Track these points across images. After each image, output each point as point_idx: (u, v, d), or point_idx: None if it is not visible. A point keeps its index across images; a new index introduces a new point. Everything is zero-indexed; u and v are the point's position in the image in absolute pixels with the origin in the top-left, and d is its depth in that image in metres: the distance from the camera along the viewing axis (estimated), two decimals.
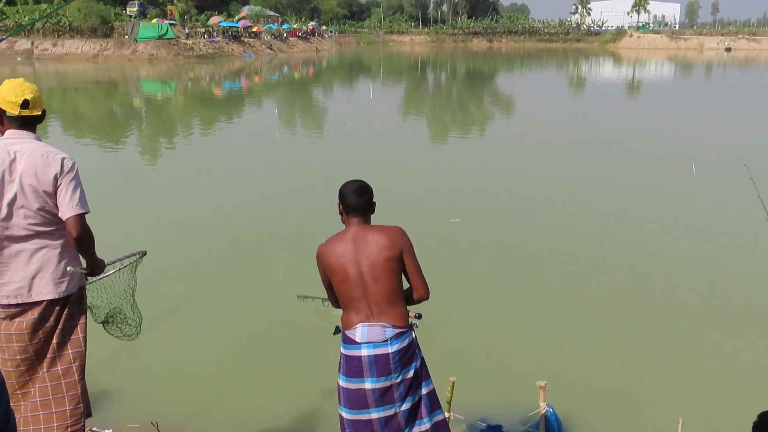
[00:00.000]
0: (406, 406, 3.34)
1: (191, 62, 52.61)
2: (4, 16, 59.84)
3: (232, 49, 63.49)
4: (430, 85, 44.43)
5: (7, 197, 3.29)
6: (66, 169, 3.32)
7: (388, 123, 22.65)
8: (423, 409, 3.42)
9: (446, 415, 4.03)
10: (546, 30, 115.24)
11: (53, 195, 3.30)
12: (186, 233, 9.60)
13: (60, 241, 3.51)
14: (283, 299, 7.27)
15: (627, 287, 7.77)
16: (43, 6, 64.13)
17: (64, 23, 58.37)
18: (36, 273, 3.47)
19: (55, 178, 3.29)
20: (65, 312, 3.63)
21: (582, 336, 6.62)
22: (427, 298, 3.53)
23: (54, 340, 3.62)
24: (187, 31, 61.98)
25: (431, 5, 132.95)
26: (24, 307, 3.51)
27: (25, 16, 59.60)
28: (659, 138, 18.67)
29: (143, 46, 54.87)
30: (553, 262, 8.64)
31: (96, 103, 30.01)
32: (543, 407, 4.34)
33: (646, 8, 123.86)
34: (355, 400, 3.32)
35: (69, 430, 3.68)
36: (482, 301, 7.50)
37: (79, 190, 3.36)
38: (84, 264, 3.68)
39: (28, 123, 3.41)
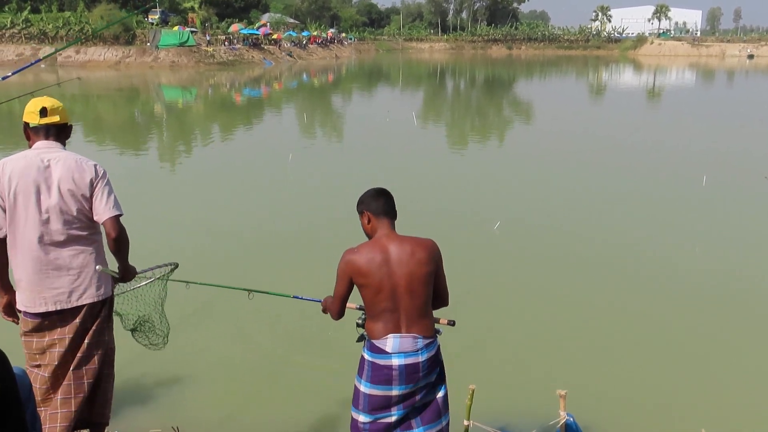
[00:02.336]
0: (421, 403, 3.41)
1: (212, 69, 53.02)
2: (29, 24, 60.70)
3: (252, 56, 63.94)
4: (449, 92, 44.40)
5: (47, 203, 3.40)
6: (100, 175, 3.47)
7: (409, 130, 22.69)
8: (441, 409, 3.48)
9: (465, 423, 4.02)
10: (566, 37, 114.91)
11: (90, 199, 3.43)
12: (209, 238, 9.65)
13: (94, 245, 3.62)
14: (308, 305, 7.29)
15: (649, 297, 7.70)
16: (67, 14, 65.07)
17: (88, 30, 59.13)
18: (76, 278, 3.56)
19: (92, 183, 3.43)
20: (101, 315, 3.73)
21: (603, 345, 6.57)
22: (448, 304, 3.58)
23: (87, 341, 3.69)
24: (208, 38, 62.53)
25: (450, 12, 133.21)
26: (65, 314, 3.58)
27: (48, 24, 60.44)
28: (682, 147, 18.52)
29: (165, 54, 55.45)
30: (574, 270, 8.60)
31: (118, 109, 30.34)
32: (563, 416, 4.31)
33: (667, 15, 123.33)
34: (379, 405, 3.35)
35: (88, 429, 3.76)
36: (503, 308, 7.48)
37: (113, 194, 3.51)
38: (115, 269, 3.76)
39: (55, 135, 3.53)
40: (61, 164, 3.40)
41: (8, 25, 60.23)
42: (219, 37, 65.45)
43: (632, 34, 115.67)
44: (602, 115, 28.99)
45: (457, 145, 20.41)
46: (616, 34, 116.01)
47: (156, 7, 69.54)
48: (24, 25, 60.49)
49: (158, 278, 4.30)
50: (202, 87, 41.41)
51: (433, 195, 12.62)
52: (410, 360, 3.28)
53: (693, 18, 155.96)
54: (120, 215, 3.51)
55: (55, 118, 3.52)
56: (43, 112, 3.48)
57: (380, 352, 3.30)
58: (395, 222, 3.48)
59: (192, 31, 60.48)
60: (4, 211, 3.39)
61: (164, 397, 5.44)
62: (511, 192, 13.05)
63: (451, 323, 3.60)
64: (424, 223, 10.70)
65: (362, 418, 3.38)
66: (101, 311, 3.72)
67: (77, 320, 3.60)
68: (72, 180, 3.39)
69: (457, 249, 9.39)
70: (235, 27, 69.97)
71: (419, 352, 3.31)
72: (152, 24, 63.15)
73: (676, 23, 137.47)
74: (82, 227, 3.51)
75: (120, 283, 3.98)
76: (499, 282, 8.26)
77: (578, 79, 57.72)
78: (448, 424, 3.56)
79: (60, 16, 63.52)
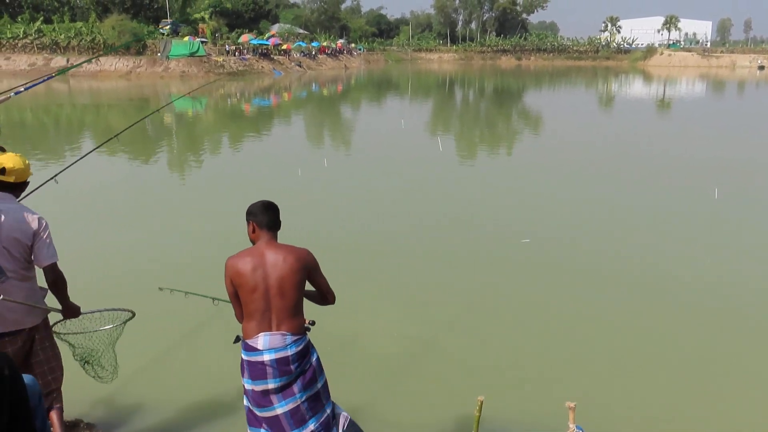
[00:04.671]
0: (306, 397, 3.70)
1: (222, 79, 53.30)
2: (41, 34, 61.24)
3: (262, 67, 64.25)
4: (459, 102, 44.44)
5: None
6: (42, 226, 3.93)
7: (422, 141, 22.72)
8: (322, 399, 3.80)
9: None
10: (575, 48, 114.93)
11: (31, 247, 3.92)
12: (222, 247, 9.65)
13: (28, 283, 4.04)
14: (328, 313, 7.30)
15: (662, 312, 7.66)
16: (79, 24, 65.63)
17: (99, 41, 59.61)
18: (12, 307, 3.96)
19: (34, 234, 3.91)
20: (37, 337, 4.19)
21: (614, 359, 6.53)
22: (333, 303, 3.96)
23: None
24: (227, 49, 62.89)
25: (460, 23, 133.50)
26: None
27: (60, 34, 60.95)
28: (693, 159, 18.46)
29: (175, 64, 55.79)
30: (586, 283, 8.57)
31: (128, 119, 30.48)
32: (572, 429, 4.27)
33: (677, 26, 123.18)
34: (261, 399, 3.68)
35: None
36: (513, 319, 7.46)
37: (51, 243, 3.97)
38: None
39: (10, 189, 3.98)
40: (10, 215, 3.84)
41: (21, 36, 60.78)
42: (229, 47, 65.75)
43: (642, 44, 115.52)
44: (612, 126, 28.93)
45: (466, 156, 20.42)
46: (625, 45, 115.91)
47: (167, 17, 70.20)
48: (36, 36, 61.00)
49: (115, 326, 4.58)
50: (212, 97, 41.62)
51: (445, 206, 12.63)
52: (281, 354, 3.62)
53: (703, 29, 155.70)
54: (56, 261, 3.96)
55: (11, 179, 3.94)
56: (2, 171, 3.91)
57: (253, 350, 3.64)
58: (278, 232, 3.82)
59: (202, 42, 60.86)
60: None
61: (175, 407, 5.43)
62: (523, 205, 13.01)
63: (312, 323, 3.87)
64: (440, 235, 10.72)
65: (256, 411, 3.72)
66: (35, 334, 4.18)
67: (19, 344, 4.06)
68: (18, 229, 3.84)
69: (472, 261, 9.41)
70: (245, 37, 70.38)
71: (288, 347, 3.64)
72: (163, 34, 63.60)
73: (686, 34, 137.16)
74: (21, 268, 3.94)
75: (78, 324, 4.44)
76: (508, 293, 8.24)
77: (588, 89, 57.67)
78: (332, 410, 3.87)
79: (72, 27, 64.04)
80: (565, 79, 71.01)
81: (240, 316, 3.77)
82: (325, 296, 3.89)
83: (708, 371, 6.27)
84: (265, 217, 3.75)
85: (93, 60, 55.04)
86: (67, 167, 5.56)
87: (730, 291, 8.29)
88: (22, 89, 5.16)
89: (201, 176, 16.53)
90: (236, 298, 3.70)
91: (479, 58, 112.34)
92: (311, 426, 3.72)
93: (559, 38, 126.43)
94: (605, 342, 6.89)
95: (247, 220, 3.82)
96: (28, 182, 4.13)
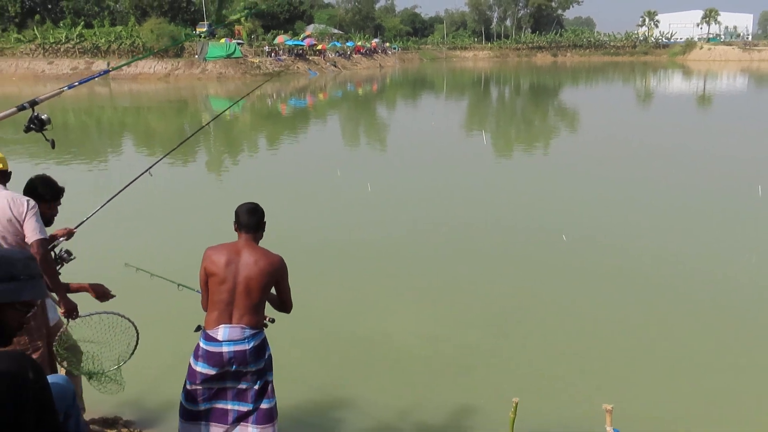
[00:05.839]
0: (256, 387, 3.94)
1: (258, 80, 53.76)
2: (83, 39, 62.49)
3: (298, 67, 64.66)
4: (495, 100, 44.20)
5: None
6: (30, 207, 4.16)
7: (458, 139, 22.68)
8: (269, 391, 4.00)
9: None
10: (612, 43, 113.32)
11: (21, 225, 4.14)
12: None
13: None
14: (360, 312, 7.35)
15: (704, 315, 7.52)
16: (118, 28, 66.81)
17: (138, 44, 60.62)
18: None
19: (22, 213, 4.15)
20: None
21: (653, 360, 6.45)
22: (290, 312, 4.14)
23: None
24: (267, 51, 63.40)
25: (494, 20, 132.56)
26: None
27: (101, 38, 62.12)
28: (735, 155, 18.10)
29: (212, 65, 56.44)
30: (627, 285, 8.44)
31: (167, 120, 30.98)
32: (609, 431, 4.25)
33: (716, 19, 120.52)
34: (212, 378, 3.88)
35: None
36: (547, 320, 7.41)
37: (39, 222, 4.17)
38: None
39: (1, 178, 4.28)
40: (1, 200, 4.13)
41: (63, 40, 62.10)
42: (264, 48, 66.30)
43: (681, 39, 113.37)
44: (651, 123, 28.47)
45: (501, 154, 20.32)
46: (663, 40, 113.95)
47: (204, 20, 71.08)
48: (78, 40, 62.25)
49: (130, 354, 4.54)
50: (249, 98, 42.05)
51: (479, 205, 12.60)
52: (238, 347, 3.83)
53: (744, 22, 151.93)
54: (44, 239, 4.15)
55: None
56: None
57: (212, 340, 3.85)
58: (261, 233, 4.03)
59: (238, 43, 61.46)
60: None
61: None
62: (558, 204, 12.90)
63: (271, 320, 4.15)
64: (473, 233, 10.70)
65: (199, 375, 3.88)
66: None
67: None
68: (9, 210, 4.12)
69: (506, 260, 9.36)
70: (280, 38, 70.88)
71: (246, 340, 3.85)
72: (200, 36, 64.37)
73: (726, 27, 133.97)
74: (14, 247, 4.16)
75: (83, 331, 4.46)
76: (545, 293, 8.18)
77: (625, 85, 56.86)
78: (275, 406, 4.05)
79: (112, 31, 65.19)
80: (602, 76, 70.10)
81: (205, 305, 4.00)
82: (284, 303, 4.11)
83: (752, 376, 6.15)
84: (245, 219, 3.97)
85: (130, 62, 55.99)
86: (158, 160, 5.64)
87: None
88: (77, 83, 5.28)
89: (236, 176, 16.72)
90: (206, 286, 3.95)
91: (514, 56, 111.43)
92: (250, 407, 3.95)
93: (595, 34, 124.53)
94: (643, 343, 6.80)
95: (234, 220, 4.06)
96: (11, 171, 4.41)
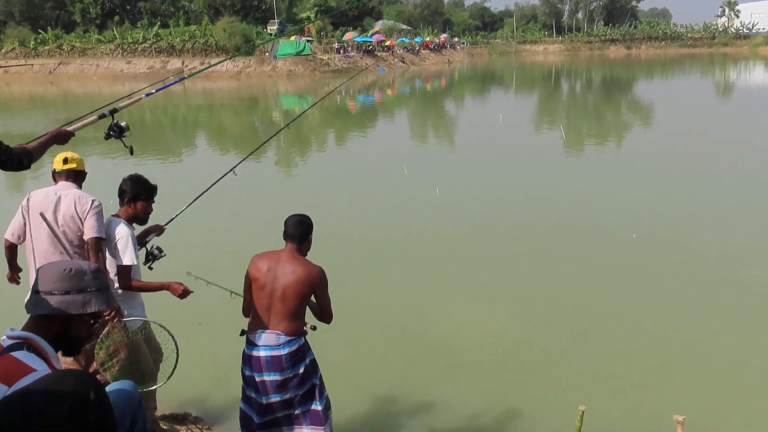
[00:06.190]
0: (300, 392, 4.07)
1: (327, 77, 54.27)
2: (159, 38, 64.45)
3: (366, 63, 64.94)
4: (566, 94, 43.35)
5: (56, 224, 4.33)
6: (93, 205, 4.35)
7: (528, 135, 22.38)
8: (316, 394, 4.13)
9: None
10: (689, 35, 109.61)
11: (82, 223, 4.33)
12: (326, 247, 9.84)
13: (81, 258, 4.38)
14: (428, 314, 7.34)
15: None
16: (192, 27, 68.61)
17: (211, 42, 62.09)
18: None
19: (85, 211, 4.34)
20: None
21: (729, 371, 6.14)
22: (329, 323, 4.18)
23: None
24: (336, 48, 63.95)
25: (566, 13, 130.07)
26: None
27: (176, 38, 63.91)
28: None
29: (282, 63, 57.29)
30: (700, 288, 8.15)
31: (239, 117, 31.64)
32: None
33: None
34: (253, 385, 4.06)
35: None
36: (618, 325, 7.18)
37: (99, 221, 4.34)
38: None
39: (74, 178, 4.50)
40: (69, 197, 4.37)
41: (140, 40, 64.21)
42: (333, 45, 66.87)
43: (763, 29, 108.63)
44: (732, 117, 27.39)
45: (572, 150, 19.91)
46: (744, 30, 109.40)
47: (274, 18, 72.21)
48: (154, 40, 64.25)
49: (167, 377, 4.30)
50: (318, 94, 42.50)
51: (550, 203, 12.39)
52: (274, 353, 3.97)
53: None
54: (100, 237, 4.30)
55: (73, 165, 4.49)
56: (65, 160, 4.47)
57: (252, 344, 4.03)
58: (306, 245, 4.14)
59: (308, 41, 62.18)
60: (25, 226, 4.43)
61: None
62: (632, 203, 12.53)
63: (313, 328, 4.20)
64: (544, 233, 10.52)
65: (253, 395, 4.09)
66: None
67: None
68: (74, 208, 4.32)
69: (578, 262, 9.13)
70: (349, 35, 71.40)
71: (281, 346, 3.98)
72: (271, 35, 65.41)
73: None
74: (77, 244, 4.37)
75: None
76: (617, 297, 7.96)
77: (703, 78, 54.88)
78: (327, 406, 4.18)
79: (186, 30, 66.99)
80: (679, 68, 67.82)
81: (246, 310, 4.18)
82: (322, 313, 4.16)
83: None
84: (291, 230, 4.10)
85: (204, 59, 57.39)
86: (242, 160, 5.78)
87: None
88: (154, 91, 5.43)
89: (303, 174, 16.92)
90: (249, 290, 4.11)
91: (586, 49, 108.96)
92: (298, 411, 4.11)
93: (671, 25, 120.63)
94: (720, 353, 6.48)
95: None
96: (86, 172, 4.63)
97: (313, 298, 4.11)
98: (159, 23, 69.72)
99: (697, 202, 12.24)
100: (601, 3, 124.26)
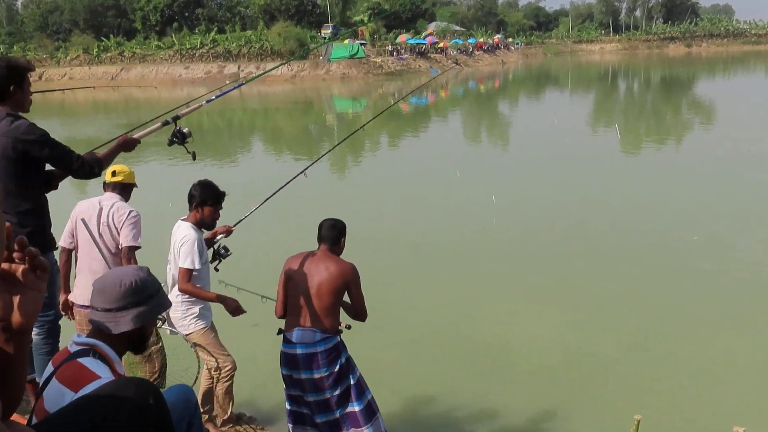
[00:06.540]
0: (336, 392, 4.10)
1: (380, 80, 54.47)
2: (215, 44, 65.74)
3: (419, 65, 64.90)
4: (623, 95, 42.51)
5: (96, 232, 4.59)
6: (130, 215, 4.57)
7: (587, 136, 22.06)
8: (353, 395, 4.15)
9: None
10: (753, 31, 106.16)
11: (118, 232, 4.56)
12: (375, 249, 9.88)
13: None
14: (481, 319, 7.32)
15: None
16: (248, 33, 69.74)
17: (267, 47, 62.99)
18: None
19: (124, 221, 4.56)
20: None
21: None
22: (364, 321, 4.26)
23: None
24: (390, 50, 64.17)
25: (623, 11, 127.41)
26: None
27: (232, 43, 65.07)
28: None
29: (336, 66, 57.72)
30: (763, 297, 7.85)
31: (294, 120, 32.03)
32: None
33: None
34: (291, 383, 4.16)
35: None
36: (676, 332, 6.99)
37: (135, 231, 4.57)
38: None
39: (120, 190, 4.72)
40: (110, 208, 4.60)
41: (198, 46, 65.61)
42: (386, 48, 67.03)
43: None
44: None
45: (630, 151, 19.54)
46: None
47: (328, 22, 72.79)
48: (211, 45, 65.56)
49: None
50: (371, 97, 42.70)
51: (606, 205, 12.21)
52: (310, 350, 4.04)
53: None
54: (135, 246, 4.56)
55: (119, 178, 4.70)
56: (113, 173, 4.69)
57: (288, 342, 4.12)
58: (339, 247, 4.24)
59: (361, 44, 62.49)
60: (72, 234, 4.67)
61: None
62: (692, 206, 12.20)
63: (348, 327, 4.27)
64: (600, 236, 10.36)
65: (291, 392, 4.21)
66: None
67: None
68: (112, 217, 4.56)
69: (636, 266, 8.92)
70: (402, 38, 71.44)
71: (317, 344, 4.04)
72: (325, 38, 65.97)
73: None
74: (114, 252, 4.61)
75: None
76: (676, 302, 7.78)
77: None
78: (368, 402, 4.21)
79: (242, 35, 68.12)
80: (742, 66, 65.77)
81: (279, 310, 4.27)
82: (356, 311, 4.24)
83: None
84: (325, 232, 4.22)
85: (260, 63, 58.26)
86: (312, 162, 5.92)
87: None
88: (214, 97, 5.57)
89: (355, 176, 17.04)
90: (284, 290, 4.20)
91: (644, 47, 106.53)
92: (337, 414, 4.13)
93: (734, 22, 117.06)
94: None
95: None
96: (135, 185, 4.86)
97: (346, 296, 4.16)
98: (216, 29, 71.10)
99: (760, 203, 11.86)
100: (659, 0, 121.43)
